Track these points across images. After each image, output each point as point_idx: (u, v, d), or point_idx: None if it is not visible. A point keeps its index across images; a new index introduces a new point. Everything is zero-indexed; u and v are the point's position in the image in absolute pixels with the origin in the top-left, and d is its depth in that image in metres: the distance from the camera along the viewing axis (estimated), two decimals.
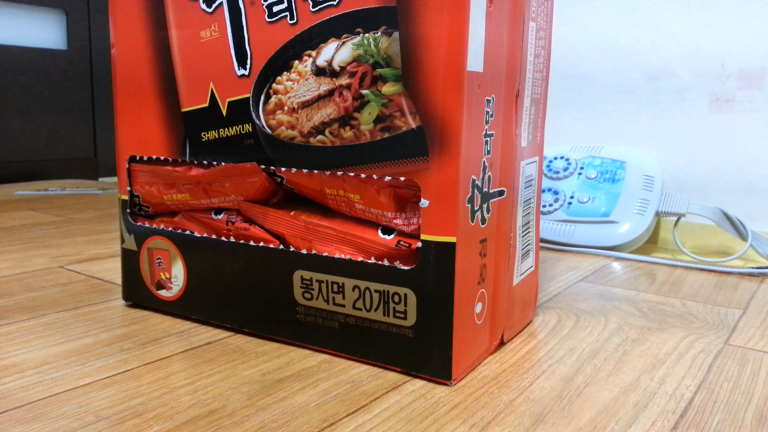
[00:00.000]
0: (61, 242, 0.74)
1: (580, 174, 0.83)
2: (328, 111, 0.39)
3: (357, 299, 0.40)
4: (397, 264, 0.38)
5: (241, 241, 0.44)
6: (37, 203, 1.02)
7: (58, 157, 1.34)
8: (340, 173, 0.40)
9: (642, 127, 0.89)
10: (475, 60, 0.36)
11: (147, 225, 0.48)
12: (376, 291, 0.39)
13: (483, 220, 0.39)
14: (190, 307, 0.47)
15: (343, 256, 0.40)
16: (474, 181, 0.37)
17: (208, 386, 0.37)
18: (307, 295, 0.42)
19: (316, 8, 0.39)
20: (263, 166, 0.42)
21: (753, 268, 0.67)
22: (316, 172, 0.40)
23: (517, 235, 0.44)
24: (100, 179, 1.41)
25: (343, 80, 0.38)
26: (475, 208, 0.38)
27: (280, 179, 0.43)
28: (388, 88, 0.37)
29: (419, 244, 0.37)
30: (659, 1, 0.86)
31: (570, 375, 0.40)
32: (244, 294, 0.44)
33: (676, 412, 0.35)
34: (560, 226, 0.80)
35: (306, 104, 0.40)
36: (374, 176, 0.38)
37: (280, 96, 0.41)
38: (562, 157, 0.86)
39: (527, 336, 0.46)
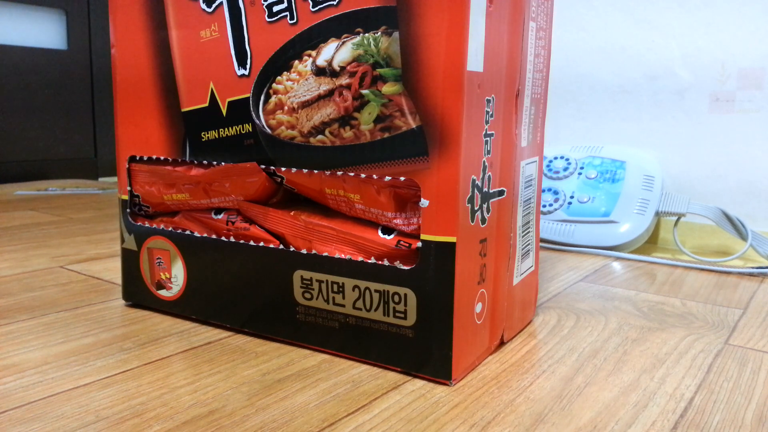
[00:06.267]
0: (61, 242, 0.74)
1: (580, 174, 0.83)
2: (328, 111, 0.39)
3: (357, 299, 0.40)
4: (397, 264, 0.38)
5: (241, 241, 0.44)
6: (37, 203, 1.02)
7: (58, 157, 1.34)
8: (340, 173, 0.40)
9: (642, 127, 0.89)
10: (475, 60, 0.36)
11: (147, 225, 0.48)
12: (376, 291, 0.39)
13: (483, 220, 0.39)
14: (190, 307, 0.47)
15: (343, 256, 0.40)
16: (474, 180, 0.37)
17: (208, 386, 0.37)
18: (307, 295, 0.42)
19: (316, 8, 0.39)
20: (263, 166, 0.42)
21: (753, 268, 0.67)
22: (316, 172, 0.40)
23: (517, 235, 0.44)
24: (100, 179, 1.41)
25: (343, 80, 0.38)
26: (475, 208, 0.38)
27: (280, 179, 0.43)
28: (388, 88, 0.37)
29: (419, 244, 0.37)
30: (659, 1, 0.86)
31: (570, 375, 0.40)
32: (244, 294, 0.44)
33: (676, 412, 0.35)
34: (560, 226, 0.80)
35: (306, 104, 0.40)
36: (374, 176, 0.38)
37: (280, 96, 0.41)
38: (562, 157, 0.86)
39: (527, 336, 0.46)
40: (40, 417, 0.33)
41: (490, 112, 0.38)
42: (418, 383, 0.38)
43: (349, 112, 0.38)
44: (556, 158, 0.86)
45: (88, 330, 0.46)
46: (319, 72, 0.39)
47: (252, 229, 0.44)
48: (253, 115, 0.42)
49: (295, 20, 0.40)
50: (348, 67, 0.38)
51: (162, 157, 0.47)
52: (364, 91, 0.38)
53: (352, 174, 0.39)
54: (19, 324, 0.46)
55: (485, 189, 0.39)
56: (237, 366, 0.40)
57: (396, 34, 0.36)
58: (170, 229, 0.47)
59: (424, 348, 0.38)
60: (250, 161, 0.43)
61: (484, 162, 0.38)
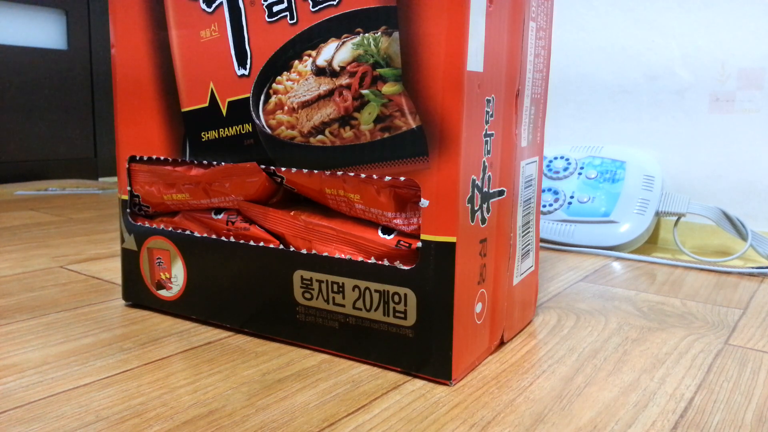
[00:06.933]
0: (61, 242, 0.74)
1: (580, 174, 0.83)
2: (328, 111, 0.39)
3: (357, 299, 0.40)
4: (397, 264, 0.38)
5: (241, 241, 0.44)
6: (37, 203, 1.02)
7: (58, 157, 1.34)
8: (340, 173, 0.40)
9: (642, 127, 0.89)
10: (475, 60, 0.36)
11: (147, 225, 0.48)
12: (376, 291, 0.39)
13: (483, 220, 0.39)
14: (190, 307, 0.47)
15: (343, 256, 0.40)
16: (474, 181, 0.37)
17: (208, 386, 0.37)
18: (307, 295, 0.42)
19: (316, 8, 0.39)
20: (263, 166, 0.42)
21: (753, 268, 0.67)
22: (316, 172, 0.40)
23: (517, 235, 0.44)
24: (100, 179, 1.41)
25: (343, 80, 0.38)
26: (475, 208, 0.38)
27: (280, 179, 0.43)
28: (388, 88, 0.37)
29: (419, 244, 0.37)
30: (659, 1, 0.86)
31: (570, 375, 0.40)
32: (244, 294, 0.44)
33: (676, 412, 0.35)
34: (560, 226, 0.80)
35: (306, 104, 0.40)
36: (374, 176, 0.38)
37: (280, 96, 0.41)
38: (562, 157, 0.86)
39: (527, 336, 0.46)
40: (40, 417, 0.33)
41: (490, 112, 0.38)
42: (418, 383, 0.38)
43: (349, 112, 0.38)
44: (556, 158, 0.86)
45: (88, 330, 0.46)
46: (319, 72, 0.39)
47: (252, 229, 0.44)
48: (253, 115, 0.42)
49: (295, 20, 0.40)
50: (348, 67, 0.38)
51: (162, 157, 0.47)
52: (364, 91, 0.38)
53: (352, 174, 0.39)
54: (19, 324, 0.46)
55: (485, 189, 0.39)
56: (237, 366, 0.40)
57: (396, 34, 0.36)
58: (170, 229, 0.47)
59: (424, 348, 0.38)
60: (250, 161, 0.43)
61: (484, 162, 0.38)
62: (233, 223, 0.45)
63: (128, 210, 0.49)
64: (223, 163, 0.44)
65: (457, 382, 0.38)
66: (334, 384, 0.38)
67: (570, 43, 0.94)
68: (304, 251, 0.41)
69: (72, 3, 1.33)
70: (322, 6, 0.38)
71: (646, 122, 0.89)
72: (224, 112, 0.43)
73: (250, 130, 0.42)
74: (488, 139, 0.38)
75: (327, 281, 0.41)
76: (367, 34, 0.37)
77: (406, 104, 0.36)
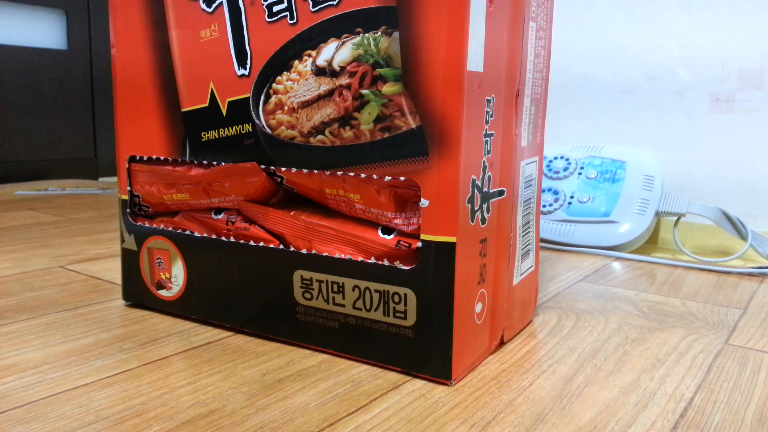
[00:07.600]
0: (61, 242, 0.74)
1: (580, 174, 0.83)
2: (328, 111, 0.39)
3: (357, 299, 0.40)
4: (397, 264, 0.38)
5: (241, 241, 0.44)
6: (37, 203, 1.02)
7: (58, 157, 1.34)
8: (340, 173, 0.40)
9: (642, 127, 0.89)
10: (475, 60, 0.36)
11: (147, 225, 0.48)
12: (376, 291, 0.39)
13: (483, 220, 0.39)
14: (190, 307, 0.47)
15: (343, 256, 0.40)
16: (474, 180, 0.37)
17: (208, 386, 0.37)
18: (307, 295, 0.42)
19: (316, 8, 0.39)
20: (263, 166, 0.42)
21: (753, 268, 0.67)
22: (316, 172, 0.40)
23: (517, 235, 0.44)
24: (100, 179, 1.41)
25: (343, 80, 0.38)
26: (475, 208, 0.38)
27: (280, 179, 0.43)
28: (388, 88, 0.37)
29: (419, 244, 0.37)
30: (659, 1, 0.86)
31: (570, 375, 0.40)
32: (244, 294, 0.44)
33: (676, 412, 0.35)
34: (560, 226, 0.80)
35: (306, 104, 0.40)
36: (374, 176, 0.38)
37: (280, 96, 0.41)
38: (562, 157, 0.86)
39: (527, 336, 0.46)
40: (40, 417, 0.33)
41: (490, 112, 0.38)
42: (418, 383, 0.38)
43: (349, 112, 0.38)
44: (556, 158, 0.86)
45: (88, 330, 0.46)
46: (319, 72, 0.39)
47: (252, 229, 0.44)
48: (253, 115, 0.42)
49: (295, 20, 0.40)
50: (348, 67, 0.38)
51: (162, 157, 0.47)
52: (364, 91, 0.38)
53: (352, 174, 0.39)
54: (19, 324, 0.46)
55: (485, 189, 0.39)
56: (237, 366, 0.40)
57: (396, 34, 0.36)
58: (170, 229, 0.47)
59: (424, 348, 0.38)
60: (250, 161, 0.43)
61: (484, 162, 0.38)
62: (233, 223, 0.45)
63: (128, 210, 0.49)
64: (223, 163, 0.44)
65: (457, 382, 0.38)
66: (334, 384, 0.38)
67: (570, 43, 0.94)
68: (304, 251, 0.41)
69: (72, 3, 1.33)
70: (322, 6, 0.38)
71: (646, 122, 0.89)
72: (224, 112, 0.43)
73: (250, 130, 0.42)
74: (488, 139, 0.38)
75: (327, 281, 0.41)
76: (367, 34, 0.37)
77: (406, 104, 0.36)
